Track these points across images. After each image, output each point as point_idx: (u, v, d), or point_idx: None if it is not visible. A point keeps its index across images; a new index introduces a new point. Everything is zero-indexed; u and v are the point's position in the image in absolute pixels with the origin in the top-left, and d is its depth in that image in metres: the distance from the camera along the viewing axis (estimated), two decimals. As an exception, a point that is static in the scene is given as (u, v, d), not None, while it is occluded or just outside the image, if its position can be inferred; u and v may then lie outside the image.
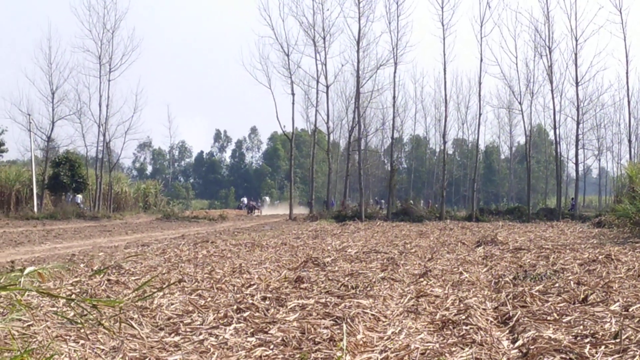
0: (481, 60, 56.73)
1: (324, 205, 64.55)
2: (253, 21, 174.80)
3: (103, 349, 6.81)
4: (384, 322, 8.97)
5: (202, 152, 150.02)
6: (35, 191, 59.04)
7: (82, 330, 7.37)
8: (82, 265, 14.92)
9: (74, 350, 6.59)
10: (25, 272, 6.00)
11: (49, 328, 7.43)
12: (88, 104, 64.55)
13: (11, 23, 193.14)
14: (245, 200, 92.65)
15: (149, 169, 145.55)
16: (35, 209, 58.20)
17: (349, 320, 8.40)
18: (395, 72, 57.45)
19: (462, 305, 9.94)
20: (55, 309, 8.55)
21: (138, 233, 36.61)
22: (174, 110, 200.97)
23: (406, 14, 66.57)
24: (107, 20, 63.60)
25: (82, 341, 7.02)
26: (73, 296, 9.66)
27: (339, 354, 6.68)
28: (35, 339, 6.85)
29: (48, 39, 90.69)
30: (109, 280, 11.86)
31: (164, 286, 10.91)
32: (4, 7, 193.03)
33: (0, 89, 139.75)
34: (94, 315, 7.94)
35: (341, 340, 7.19)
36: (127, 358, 6.49)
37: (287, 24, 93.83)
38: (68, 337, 7.15)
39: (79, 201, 62.68)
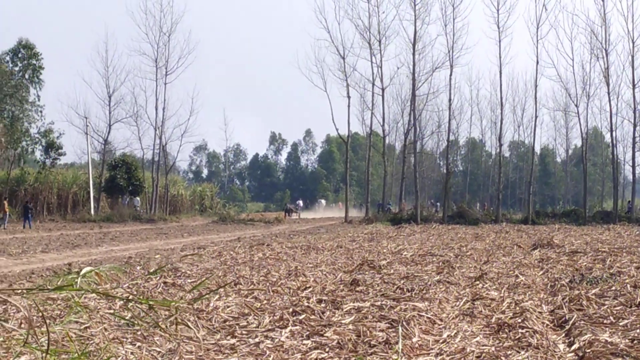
0: (537, 62, 56.36)
1: (379, 208, 64.63)
2: (309, 24, 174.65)
3: (159, 351, 6.85)
4: (439, 325, 8.92)
5: (257, 154, 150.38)
6: (92, 194, 59.70)
7: (138, 332, 7.42)
8: (138, 268, 15.06)
9: (131, 353, 6.63)
10: (82, 272, 6.08)
11: (106, 330, 7.48)
12: (144, 107, 65.14)
13: (69, 26, 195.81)
14: (300, 203, 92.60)
15: (205, 171, 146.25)
16: (92, 212, 58.86)
17: (404, 323, 8.36)
18: (451, 74, 57.45)
19: (518, 308, 9.86)
20: (112, 310, 8.62)
21: (194, 236, 36.88)
22: (229, 112, 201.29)
23: (462, 17, 66.17)
24: (164, 23, 64.16)
25: (138, 343, 7.06)
26: (130, 298, 9.72)
27: (394, 357, 6.65)
28: (92, 341, 6.91)
29: (105, 42, 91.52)
30: (165, 282, 11.94)
31: (219, 287, 10.95)
32: (62, 10, 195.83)
33: (58, 92, 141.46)
34: (151, 317, 8.00)
35: (397, 343, 7.16)
36: (183, 359, 6.51)
37: (343, 27, 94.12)
38: (125, 339, 7.21)
39: (137, 204, 63.25)
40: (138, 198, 63.53)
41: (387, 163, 64.24)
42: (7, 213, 46.50)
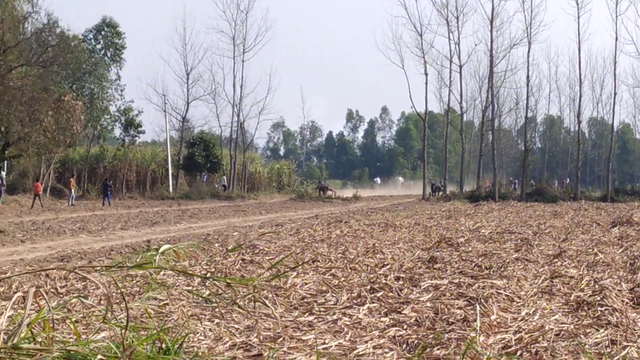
0: (616, 39, 55.51)
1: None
2: (386, 1, 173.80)
3: (237, 328, 6.89)
4: (517, 302, 8.84)
5: (331, 132, 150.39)
6: (170, 171, 60.49)
7: (216, 309, 7.48)
8: (216, 245, 15.21)
9: (209, 329, 6.68)
10: (161, 250, 6.13)
11: (184, 307, 7.57)
12: (222, 85, 65.68)
13: (147, 4, 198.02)
14: (378, 180, 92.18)
15: (282, 149, 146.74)
16: (171, 189, 59.64)
17: (482, 300, 8.30)
18: (529, 51, 57.10)
19: (597, 286, 9.70)
20: (190, 287, 8.71)
21: (272, 213, 37.13)
22: (306, 90, 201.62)
23: None
24: (241, 1, 64.41)
25: (216, 320, 7.12)
26: (208, 275, 9.82)
27: (472, 334, 6.58)
28: (170, 318, 7.00)
29: (183, 20, 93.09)
30: (243, 259, 12.04)
31: (297, 265, 10.99)
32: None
33: (137, 70, 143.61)
34: (229, 295, 8.05)
35: (474, 320, 7.09)
36: (261, 337, 6.54)
37: (421, 4, 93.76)
38: (203, 316, 7.28)
39: (224, 182, 63.76)
40: (224, 177, 63.98)
41: (465, 140, 63.87)
42: (74, 190, 47.43)
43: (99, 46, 61.33)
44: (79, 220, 27.94)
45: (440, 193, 62.15)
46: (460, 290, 9.17)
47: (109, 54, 61.41)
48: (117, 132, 64.16)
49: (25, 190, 49.16)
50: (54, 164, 53.41)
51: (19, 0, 45.87)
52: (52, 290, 8.40)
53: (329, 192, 64.85)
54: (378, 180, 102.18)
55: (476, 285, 9.57)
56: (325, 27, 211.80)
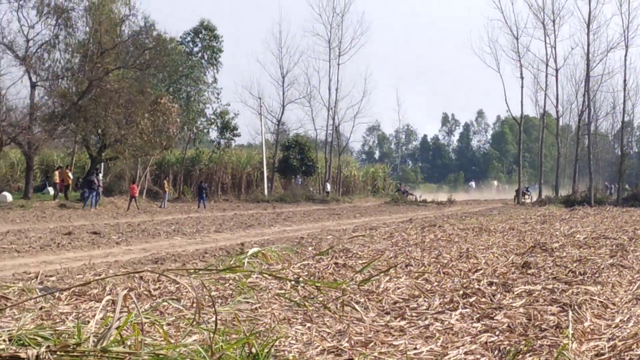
0: None
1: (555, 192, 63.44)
2: (482, 4, 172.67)
3: (329, 332, 6.87)
4: (612, 309, 8.63)
5: (425, 135, 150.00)
6: (265, 174, 61.01)
7: (307, 313, 7.47)
8: (310, 248, 15.24)
9: (301, 333, 6.67)
10: (249, 253, 6.15)
11: (274, 311, 7.58)
12: (318, 88, 66.45)
13: (243, 7, 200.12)
14: (473, 184, 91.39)
15: (377, 152, 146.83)
16: (266, 192, 60.12)
17: (576, 307, 8.16)
18: (626, 55, 56.36)
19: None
20: (282, 291, 8.72)
21: (366, 216, 37.09)
22: (401, 93, 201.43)
23: None
24: (337, 4, 65.65)
25: (307, 324, 7.10)
26: (300, 279, 9.83)
27: (565, 341, 6.45)
28: (261, 322, 7.00)
29: (279, 23, 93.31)
30: (336, 263, 12.02)
31: (389, 268, 10.92)
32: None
33: (233, 73, 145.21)
34: (320, 298, 8.04)
35: (567, 327, 6.95)
36: (352, 342, 6.50)
37: (517, 7, 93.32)
38: (294, 320, 7.27)
39: (328, 189, 64.11)
40: (328, 183, 64.20)
41: (561, 144, 63.05)
42: (167, 192, 48.21)
43: (196, 49, 62.58)
44: (173, 223, 28.36)
45: (527, 197, 61.53)
46: (554, 296, 9.02)
47: (205, 57, 62.54)
48: (213, 134, 65.37)
49: (122, 192, 50.17)
50: (150, 166, 54.42)
51: (117, 3, 46.80)
52: (145, 292, 8.50)
53: (410, 197, 64.38)
54: (473, 184, 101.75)
55: (570, 291, 9.39)
56: (421, 30, 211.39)
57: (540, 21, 58.19)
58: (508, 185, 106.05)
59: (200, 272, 6.31)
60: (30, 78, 44.66)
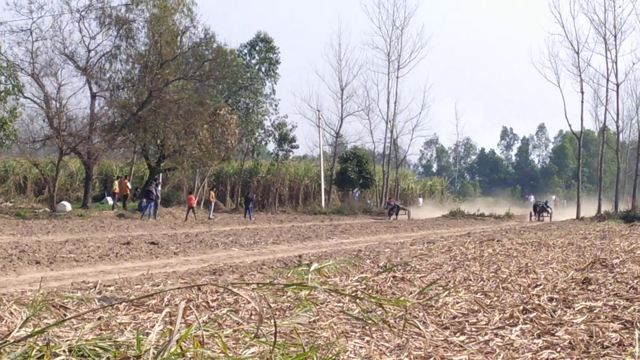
0: None
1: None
2: (543, 18, 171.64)
3: (388, 347, 6.82)
4: (674, 326, 8.44)
5: (483, 149, 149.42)
6: (323, 186, 61.18)
7: (366, 328, 7.43)
8: (367, 261, 15.17)
9: (360, 347, 6.64)
10: (311, 268, 6.13)
11: (334, 325, 7.55)
12: (376, 101, 66.95)
13: (303, 20, 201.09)
14: (532, 197, 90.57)
15: (435, 166, 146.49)
16: (323, 204, 60.22)
17: (638, 324, 7.98)
18: None
19: None
20: (340, 304, 8.69)
21: (424, 230, 36.93)
22: (460, 106, 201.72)
23: None
24: (397, 17, 65.55)
25: (367, 338, 7.07)
26: (359, 293, 9.80)
27: (630, 359, 6.31)
28: (320, 335, 6.97)
29: (338, 35, 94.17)
30: (394, 277, 11.95)
31: (449, 286, 10.84)
32: (297, 3, 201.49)
33: (291, 85, 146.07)
34: (379, 313, 8.00)
35: (631, 345, 6.82)
36: (411, 357, 6.44)
37: (578, 22, 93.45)
38: (353, 334, 7.23)
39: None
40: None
41: (621, 160, 62.31)
42: (214, 202, 48.40)
43: (253, 61, 63.24)
44: (231, 234, 28.46)
45: (546, 215, 59.05)
46: (615, 313, 8.84)
47: (263, 69, 63.10)
48: (271, 146, 66.06)
49: (180, 203, 50.69)
50: (208, 177, 54.75)
51: (178, 15, 47.28)
52: (204, 303, 8.52)
53: (402, 212, 57.17)
54: (532, 198, 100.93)
55: (632, 308, 9.20)
56: (481, 43, 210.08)
57: (602, 36, 57.66)
58: (566, 200, 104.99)
59: (262, 286, 6.29)
60: (90, 88, 45.43)
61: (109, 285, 11.43)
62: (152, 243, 22.33)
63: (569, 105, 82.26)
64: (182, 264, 17.51)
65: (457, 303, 9.51)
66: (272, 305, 8.29)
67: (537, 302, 9.69)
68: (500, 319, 8.54)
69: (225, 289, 8.81)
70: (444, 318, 8.64)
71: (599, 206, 58.43)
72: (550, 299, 10.09)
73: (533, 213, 59.13)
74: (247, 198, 50.38)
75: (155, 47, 45.96)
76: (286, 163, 64.64)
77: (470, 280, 12.11)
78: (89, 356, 4.18)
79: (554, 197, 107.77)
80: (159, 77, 44.98)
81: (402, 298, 9.65)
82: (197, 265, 17.07)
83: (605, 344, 7.17)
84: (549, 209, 58.88)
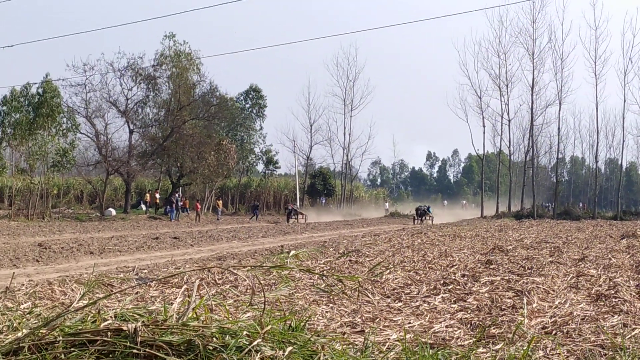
0: (624, 100, 55.32)
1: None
2: (454, 73, 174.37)
3: (346, 311, 6.86)
4: (552, 294, 8.56)
5: (413, 167, 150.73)
6: (298, 195, 61.36)
7: (330, 298, 7.45)
8: (331, 249, 15.16)
9: (326, 312, 6.66)
10: (290, 254, 6.11)
11: (307, 296, 7.56)
12: (336, 133, 67.93)
13: (283, 75, 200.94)
14: (446, 202, 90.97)
15: (379, 180, 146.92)
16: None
17: (526, 292, 8.13)
18: (559, 109, 57.34)
19: (611, 283, 9.38)
20: (311, 280, 8.70)
21: (371, 226, 36.95)
22: (396, 136, 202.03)
23: (568, 67, 67.75)
24: (350, 73, 66.68)
25: (331, 305, 7.09)
26: (325, 272, 9.83)
27: (520, 318, 6.44)
28: (297, 303, 6.98)
29: (307, 87, 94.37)
30: (350, 260, 11.99)
31: (390, 266, 10.86)
32: (280, 63, 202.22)
33: (275, 122, 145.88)
34: (339, 287, 8.01)
35: (521, 307, 6.97)
36: (363, 318, 6.49)
37: (480, 75, 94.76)
38: (321, 302, 7.24)
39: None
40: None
41: (512, 174, 63.03)
42: (220, 209, 48.60)
43: (247, 105, 64.22)
44: (232, 231, 28.34)
45: (428, 218, 47.93)
46: (510, 285, 8.97)
47: (254, 111, 64.19)
48: (260, 167, 66.73)
49: (194, 208, 50.53)
50: (214, 189, 54.80)
51: (191, 72, 47.63)
52: (212, 281, 8.49)
53: (299, 216, 46.80)
54: (445, 202, 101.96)
55: (521, 281, 9.31)
56: (410, 90, 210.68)
57: (497, 85, 58.63)
58: (474, 204, 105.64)
59: (254, 268, 6.28)
60: (128, 126, 45.43)
61: (144, 269, 11.35)
62: (175, 238, 22.19)
63: (474, 135, 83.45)
64: (196, 253, 17.40)
65: (396, 279, 9.54)
66: (262, 282, 8.30)
67: (453, 277, 9.76)
68: (426, 290, 8.60)
69: (227, 270, 8.79)
70: (387, 290, 8.68)
71: (497, 208, 58.80)
72: (463, 275, 10.16)
73: (416, 216, 48.27)
74: (254, 205, 51.59)
75: (175, 96, 46.16)
76: (271, 179, 65.44)
77: (405, 262, 12.16)
78: (129, 320, 4.18)
79: (464, 201, 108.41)
80: (178, 117, 45.10)
81: (356, 275, 9.67)
82: (207, 254, 16.98)
83: (503, 307, 7.29)
84: (430, 213, 48.99)
